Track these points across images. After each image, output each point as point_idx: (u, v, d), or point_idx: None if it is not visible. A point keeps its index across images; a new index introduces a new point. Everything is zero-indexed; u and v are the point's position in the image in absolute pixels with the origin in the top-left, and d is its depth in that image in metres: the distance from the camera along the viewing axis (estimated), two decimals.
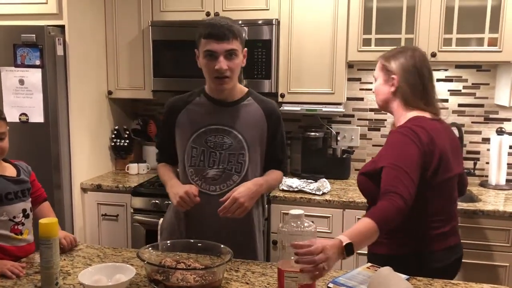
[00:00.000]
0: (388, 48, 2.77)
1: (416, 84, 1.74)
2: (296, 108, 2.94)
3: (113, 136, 3.28)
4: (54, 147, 2.74)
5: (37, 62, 2.65)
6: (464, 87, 3.04)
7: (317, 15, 2.84)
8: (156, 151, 2.10)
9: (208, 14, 2.97)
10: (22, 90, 2.69)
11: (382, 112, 3.13)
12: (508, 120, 3.00)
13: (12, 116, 2.68)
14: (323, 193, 2.71)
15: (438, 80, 3.05)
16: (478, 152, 3.06)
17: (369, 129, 3.21)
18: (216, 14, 2.96)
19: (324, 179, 2.88)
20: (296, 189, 2.75)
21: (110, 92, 3.19)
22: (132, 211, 2.87)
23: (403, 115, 1.76)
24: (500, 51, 2.66)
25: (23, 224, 1.78)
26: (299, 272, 1.35)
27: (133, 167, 3.22)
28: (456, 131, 2.39)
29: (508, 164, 2.90)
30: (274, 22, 2.85)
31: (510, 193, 2.78)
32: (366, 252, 1.83)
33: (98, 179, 3.05)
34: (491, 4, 2.65)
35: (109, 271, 1.52)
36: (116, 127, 3.29)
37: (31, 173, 1.91)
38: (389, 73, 1.78)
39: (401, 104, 1.77)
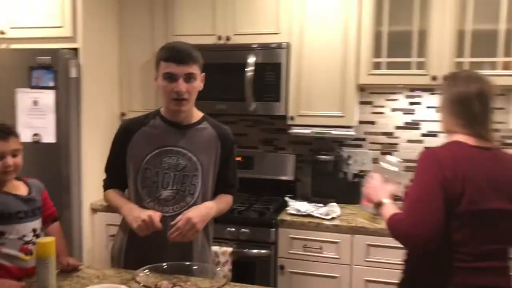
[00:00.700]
0: (399, 72, 2.80)
1: (460, 109, 1.69)
2: (306, 131, 2.92)
3: None
4: (64, 167, 2.78)
5: (51, 84, 2.72)
6: None
7: (328, 38, 2.84)
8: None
9: (219, 38, 3.01)
10: (35, 110, 2.75)
11: (395, 136, 3.12)
12: None
13: (25, 136, 2.72)
14: (332, 218, 2.67)
15: None
16: None
17: (382, 153, 3.15)
18: (227, 38, 2.99)
19: (333, 203, 2.83)
20: (304, 213, 2.71)
21: (123, 114, 3.23)
22: None
23: (447, 138, 1.73)
24: None
25: (33, 243, 1.76)
26: None
27: None
28: None
29: None
30: (284, 46, 2.86)
31: None
32: None
33: None
34: (505, 27, 2.61)
35: None
36: None
37: (44, 191, 1.92)
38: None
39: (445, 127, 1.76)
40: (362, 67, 2.82)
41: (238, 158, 2.51)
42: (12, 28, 2.89)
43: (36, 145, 2.75)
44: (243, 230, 2.66)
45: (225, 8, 3.00)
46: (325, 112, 2.89)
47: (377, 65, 2.81)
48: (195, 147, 1.90)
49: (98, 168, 3.01)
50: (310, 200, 2.99)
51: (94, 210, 2.99)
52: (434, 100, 3.04)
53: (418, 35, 2.73)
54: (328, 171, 3.06)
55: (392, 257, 2.49)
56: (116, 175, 2.00)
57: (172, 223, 1.75)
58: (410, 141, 3.10)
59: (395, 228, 1.62)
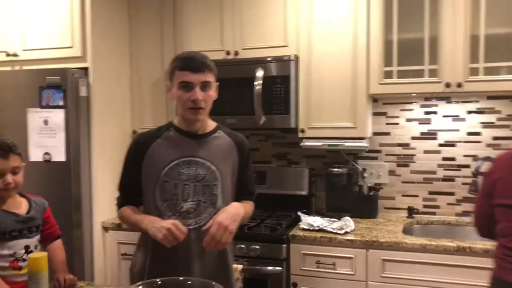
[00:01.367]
0: (411, 80, 2.72)
1: None
2: (318, 143, 2.86)
3: None
4: (75, 186, 2.78)
5: (61, 103, 2.74)
6: (498, 119, 2.86)
7: (336, 49, 2.79)
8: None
9: (228, 53, 3.00)
10: (46, 130, 2.77)
11: (411, 147, 3.02)
12: None
13: (36, 155, 2.76)
14: (346, 232, 2.57)
15: (469, 112, 2.90)
16: None
17: (398, 165, 3.06)
18: (236, 53, 2.98)
19: (347, 218, 2.74)
20: (316, 228, 2.63)
21: (134, 132, 3.24)
22: None
23: None
24: None
25: (24, 260, 1.77)
26: None
27: None
28: None
29: None
30: (293, 58, 2.83)
31: None
32: None
33: None
34: None
35: None
36: None
37: (47, 209, 1.92)
38: None
39: None
40: (373, 76, 2.75)
41: None
42: (24, 50, 2.95)
43: (47, 164, 2.77)
44: (253, 246, 2.59)
45: (232, 23, 3.00)
46: (336, 124, 2.82)
47: (388, 74, 2.74)
48: (213, 156, 1.86)
49: (109, 186, 3.03)
50: (324, 215, 2.90)
51: (106, 229, 2.98)
52: (451, 108, 2.94)
53: (429, 41, 2.65)
54: (342, 184, 2.97)
55: (409, 272, 2.38)
56: (130, 192, 1.93)
57: (204, 228, 1.70)
58: (426, 151, 2.99)
59: None
